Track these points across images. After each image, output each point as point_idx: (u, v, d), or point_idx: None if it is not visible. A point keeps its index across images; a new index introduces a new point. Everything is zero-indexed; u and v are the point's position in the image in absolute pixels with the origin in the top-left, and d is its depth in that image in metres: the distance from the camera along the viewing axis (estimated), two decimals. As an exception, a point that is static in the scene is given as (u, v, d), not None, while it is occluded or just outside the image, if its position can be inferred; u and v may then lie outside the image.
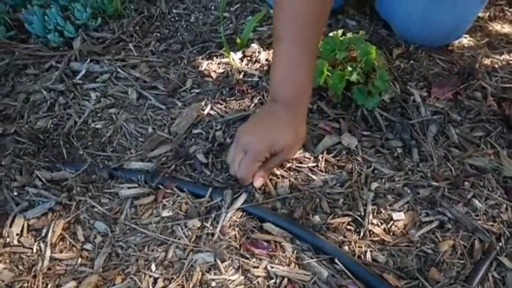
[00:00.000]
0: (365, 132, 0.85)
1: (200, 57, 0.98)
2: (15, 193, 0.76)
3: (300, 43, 0.76)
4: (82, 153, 0.83)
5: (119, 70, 0.93)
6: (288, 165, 0.79)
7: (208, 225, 0.71)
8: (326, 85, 0.88)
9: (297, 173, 0.78)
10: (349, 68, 0.87)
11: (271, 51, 0.99)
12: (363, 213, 0.73)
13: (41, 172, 0.78)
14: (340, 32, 0.95)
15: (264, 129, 0.77)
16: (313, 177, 0.78)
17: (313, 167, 0.79)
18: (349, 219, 0.73)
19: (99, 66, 0.93)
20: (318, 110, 0.88)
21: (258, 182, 0.76)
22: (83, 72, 0.92)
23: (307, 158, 0.80)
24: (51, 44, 0.97)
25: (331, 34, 0.97)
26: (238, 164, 0.75)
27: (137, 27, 1.02)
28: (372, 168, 0.79)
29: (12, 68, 0.95)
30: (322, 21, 0.80)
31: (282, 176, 0.78)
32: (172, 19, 1.07)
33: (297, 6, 0.75)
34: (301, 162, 0.79)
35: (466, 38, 1.08)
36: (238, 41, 0.98)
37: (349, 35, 0.95)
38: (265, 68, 0.95)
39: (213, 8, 1.11)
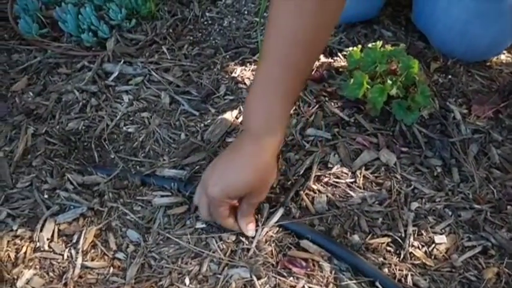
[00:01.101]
0: (403, 149, 0.83)
1: (233, 62, 0.96)
2: (46, 196, 0.75)
3: (284, 65, 0.64)
4: (113, 157, 0.81)
5: (152, 73, 0.91)
6: (325, 179, 0.77)
7: (243, 239, 0.69)
8: (364, 98, 0.86)
9: (334, 188, 0.76)
10: (389, 82, 0.85)
11: (306, 60, 0.96)
12: (403, 235, 0.70)
13: (72, 175, 0.77)
14: (379, 43, 0.93)
15: (222, 171, 0.67)
16: (351, 193, 0.75)
17: (351, 182, 0.77)
18: (389, 239, 0.70)
19: (132, 68, 0.91)
20: (355, 123, 0.85)
21: (250, 231, 0.69)
22: (116, 73, 0.90)
23: (345, 173, 0.78)
24: (83, 44, 0.95)
25: (370, 45, 0.95)
26: (206, 208, 0.68)
27: (170, 30, 1.00)
28: (412, 187, 0.76)
29: (44, 66, 0.93)
30: (316, 47, 0.67)
31: (319, 191, 0.75)
32: (205, 22, 1.05)
33: (288, 20, 0.62)
34: (338, 177, 0.77)
35: (504, 54, 1.05)
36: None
37: (388, 46, 0.93)
38: (300, 77, 0.93)
39: (246, 12, 1.09)
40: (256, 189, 0.67)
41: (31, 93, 0.88)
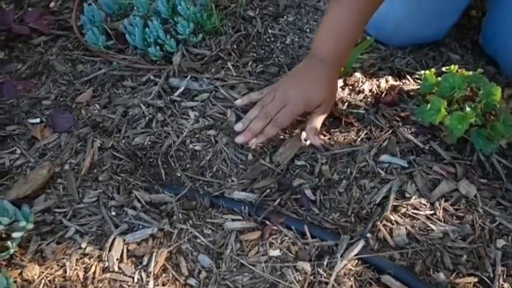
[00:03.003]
0: (483, 180, 0.78)
1: (298, 81, 0.94)
2: (114, 213, 0.73)
3: (355, 10, 0.81)
4: (180, 175, 0.79)
5: (218, 90, 0.89)
6: (403, 210, 0.73)
7: (321, 271, 0.65)
8: (440, 124, 0.82)
9: (413, 220, 0.72)
10: (468, 108, 0.80)
11: (375, 81, 0.93)
12: (491, 275, 0.66)
13: (140, 193, 0.75)
14: (454, 67, 0.89)
15: (304, 86, 0.83)
16: (432, 226, 0.71)
17: (431, 214, 0.73)
18: (476, 279, 0.65)
19: (198, 84, 0.89)
20: (430, 150, 0.81)
21: (318, 141, 0.81)
22: (182, 89, 0.89)
23: (423, 204, 0.74)
24: (148, 57, 0.94)
25: (443, 69, 0.92)
26: (275, 112, 0.80)
27: (234, 46, 0.98)
28: (497, 223, 0.72)
29: (109, 78, 0.92)
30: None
31: (397, 223, 0.71)
32: (267, 39, 1.03)
33: None
34: (417, 209, 0.73)
35: None
36: (341, 69, 0.93)
37: (461, 71, 0.89)
38: (369, 99, 0.90)
39: (308, 30, 1.06)
40: (326, 101, 0.83)
41: (97, 106, 0.87)
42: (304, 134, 0.83)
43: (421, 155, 0.81)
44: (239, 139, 0.81)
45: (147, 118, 0.85)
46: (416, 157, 0.80)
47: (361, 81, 0.93)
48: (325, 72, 0.83)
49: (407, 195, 0.75)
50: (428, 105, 0.82)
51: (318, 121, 0.82)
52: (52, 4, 1.13)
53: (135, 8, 1.00)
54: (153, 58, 0.92)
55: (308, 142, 0.83)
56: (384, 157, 0.80)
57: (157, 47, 0.91)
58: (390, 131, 0.83)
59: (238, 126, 0.81)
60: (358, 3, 0.81)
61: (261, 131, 0.80)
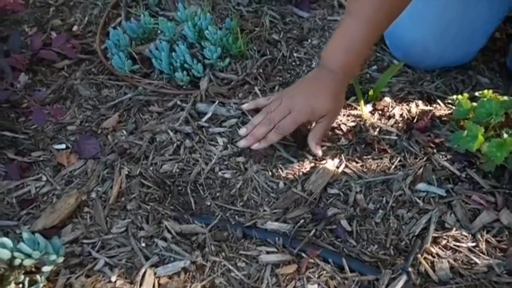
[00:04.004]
0: (523, 210, 0.76)
1: (326, 106, 0.92)
2: (143, 244, 0.71)
3: (368, 23, 0.80)
4: (210, 204, 0.76)
5: (246, 115, 0.88)
6: (444, 242, 0.70)
7: (362, 308, 0.62)
8: (477, 151, 0.80)
9: (455, 253, 0.69)
10: (506, 135, 0.78)
11: (406, 105, 0.91)
12: (542, 313, 0.63)
13: (170, 223, 0.73)
14: (488, 92, 0.87)
15: (310, 95, 0.83)
16: (475, 259, 0.68)
17: (473, 247, 0.70)
18: (525, 317, 0.63)
19: (226, 109, 0.88)
20: (467, 178, 0.79)
21: (319, 151, 0.82)
22: (209, 114, 0.87)
23: (464, 235, 0.71)
24: (174, 81, 0.93)
25: (476, 93, 0.90)
26: (279, 119, 0.81)
27: (260, 70, 0.97)
28: (543, 256, 0.69)
29: (134, 103, 0.91)
30: (397, 11, 0.82)
31: (438, 255, 0.68)
32: (293, 63, 1.02)
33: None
34: (458, 241, 0.70)
35: None
36: (370, 93, 0.91)
37: (494, 96, 0.87)
38: (400, 125, 0.88)
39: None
40: (331, 112, 0.83)
41: (124, 132, 0.86)
42: (335, 162, 0.81)
43: (458, 183, 0.78)
44: (241, 143, 0.82)
45: (174, 144, 0.84)
46: (454, 185, 0.77)
47: (391, 106, 0.91)
48: (332, 83, 0.83)
49: (447, 226, 0.72)
50: (465, 132, 0.80)
51: (321, 131, 0.83)
52: (75, 28, 1.12)
53: (161, 32, 1.00)
54: (180, 83, 0.91)
55: (340, 169, 0.81)
56: (421, 186, 0.77)
57: (184, 72, 0.89)
58: (425, 158, 0.81)
59: (242, 131, 0.83)
60: (373, 17, 0.80)
61: (263, 136, 0.81)
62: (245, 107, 0.88)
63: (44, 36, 1.09)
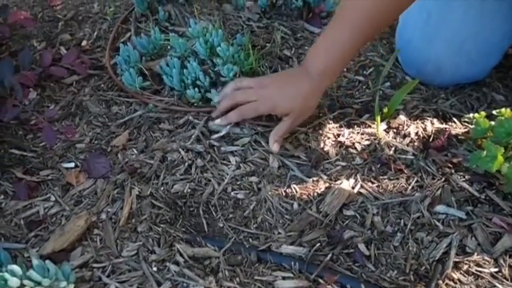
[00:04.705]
0: (546, 233, 0.73)
1: (339, 124, 0.90)
2: (155, 268, 0.68)
3: (353, 32, 0.79)
4: (223, 225, 0.74)
5: (259, 134, 0.86)
6: (465, 267, 0.68)
7: (384, 338, 0.60)
8: (497, 172, 0.78)
9: (478, 279, 0.66)
10: (525, 156, 0.76)
11: (421, 123, 0.90)
12: None
13: (182, 246, 0.70)
14: (506, 111, 0.86)
15: (278, 89, 0.83)
16: (499, 286, 0.66)
17: (496, 272, 0.67)
18: None
19: (239, 128, 0.86)
20: (487, 200, 0.76)
21: (276, 148, 0.82)
22: (222, 133, 0.86)
23: (486, 260, 0.68)
24: (185, 98, 0.92)
25: (494, 112, 0.88)
26: (241, 101, 0.83)
27: (272, 86, 0.95)
28: None
29: (145, 120, 0.89)
30: (385, 22, 0.83)
31: (460, 281, 0.66)
32: (305, 79, 1.01)
33: (365, 3, 0.77)
34: (480, 266, 0.68)
35: None
36: (385, 110, 0.90)
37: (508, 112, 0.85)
38: (416, 143, 0.86)
39: (345, 70, 1.04)
40: (297, 113, 0.83)
41: (134, 150, 0.84)
42: (350, 182, 0.79)
43: (477, 205, 0.76)
44: (213, 114, 0.88)
45: (186, 164, 0.82)
46: (474, 208, 0.75)
47: (406, 124, 0.89)
48: (305, 85, 0.82)
49: (468, 250, 0.70)
50: (484, 152, 0.78)
51: (283, 129, 0.83)
52: (84, 42, 1.11)
53: (172, 48, 0.98)
54: (191, 100, 0.89)
55: (356, 190, 0.79)
56: (440, 208, 0.75)
57: (196, 89, 0.88)
58: (443, 179, 0.79)
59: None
60: (358, 24, 0.79)
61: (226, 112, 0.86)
62: (225, 90, 0.88)
63: (53, 51, 1.08)
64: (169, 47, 1.03)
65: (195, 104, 0.91)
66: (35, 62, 1.03)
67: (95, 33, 1.14)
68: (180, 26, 1.11)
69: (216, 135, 0.86)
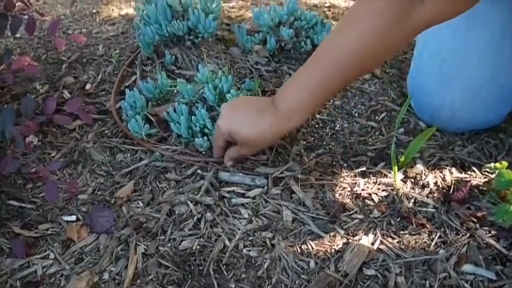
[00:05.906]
0: None
1: (353, 173, 0.86)
2: (162, 338, 0.63)
3: (331, 73, 0.74)
4: (234, 286, 0.69)
5: (271, 185, 0.82)
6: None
7: None
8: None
9: None
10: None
11: (439, 173, 0.86)
12: None
13: (191, 311, 0.65)
14: (528, 161, 0.83)
15: (238, 116, 0.80)
16: None
17: None
18: None
19: (250, 179, 0.83)
20: (515, 258, 0.72)
21: (229, 163, 0.84)
22: (232, 184, 0.82)
23: (522, 328, 0.64)
24: (193, 146, 0.88)
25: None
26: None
27: (283, 133, 0.92)
28: None
29: (151, 170, 0.85)
30: (369, 66, 0.79)
31: None
32: (316, 125, 0.97)
33: (348, 44, 0.72)
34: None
35: None
36: (402, 159, 0.86)
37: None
38: (436, 195, 0.82)
39: (356, 115, 1.01)
40: (248, 144, 0.80)
41: (140, 203, 0.80)
42: (370, 237, 0.75)
43: (506, 263, 0.71)
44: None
45: (195, 218, 0.77)
46: (503, 267, 0.70)
47: (424, 174, 0.86)
48: (267, 118, 0.77)
49: (500, 315, 0.65)
50: (509, 206, 0.74)
51: (236, 155, 0.83)
52: (88, 86, 1.09)
53: (179, 93, 0.95)
54: (199, 148, 0.86)
55: (375, 246, 0.74)
56: (467, 267, 0.70)
57: (204, 137, 0.84)
58: (468, 235, 0.75)
59: None
60: (338, 66, 0.73)
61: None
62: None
63: (56, 95, 1.05)
64: (175, 91, 1.00)
65: (203, 153, 0.88)
66: (37, 106, 1.00)
67: (99, 76, 1.11)
68: (187, 70, 1.08)
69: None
